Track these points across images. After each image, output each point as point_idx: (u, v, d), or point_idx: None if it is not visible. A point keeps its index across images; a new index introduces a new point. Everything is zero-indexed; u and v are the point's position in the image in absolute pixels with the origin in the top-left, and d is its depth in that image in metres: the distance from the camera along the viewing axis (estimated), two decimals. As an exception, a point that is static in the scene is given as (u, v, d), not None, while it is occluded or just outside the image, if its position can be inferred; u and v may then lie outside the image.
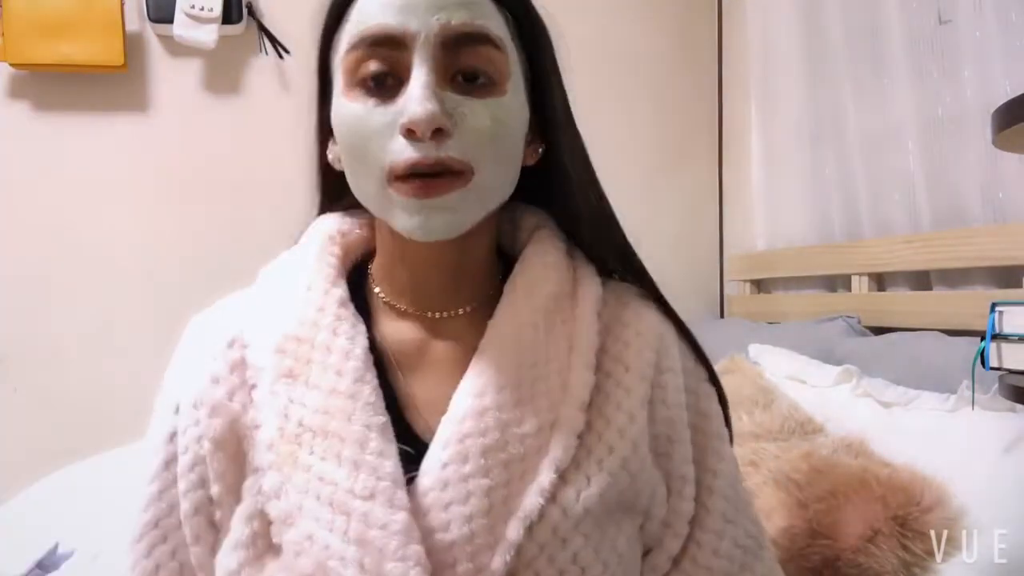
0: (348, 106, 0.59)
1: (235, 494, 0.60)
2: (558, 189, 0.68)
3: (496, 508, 0.56)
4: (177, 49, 1.94)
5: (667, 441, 0.64)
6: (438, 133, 0.56)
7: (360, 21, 0.59)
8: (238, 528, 0.59)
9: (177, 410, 0.64)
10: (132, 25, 1.92)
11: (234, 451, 0.60)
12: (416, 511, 0.56)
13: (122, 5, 1.85)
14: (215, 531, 0.61)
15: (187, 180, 1.97)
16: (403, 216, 0.59)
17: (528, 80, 0.64)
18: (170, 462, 0.63)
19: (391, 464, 0.56)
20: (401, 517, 0.54)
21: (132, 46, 1.92)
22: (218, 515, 0.60)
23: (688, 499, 0.64)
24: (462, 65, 0.58)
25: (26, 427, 1.87)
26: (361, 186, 0.62)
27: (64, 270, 1.92)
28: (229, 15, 1.89)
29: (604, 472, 0.59)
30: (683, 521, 0.64)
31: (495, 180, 0.61)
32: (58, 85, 1.90)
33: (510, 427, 0.58)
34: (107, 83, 1.93)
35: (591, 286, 0.66)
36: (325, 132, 0.66)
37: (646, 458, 0.62)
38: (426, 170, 0.57)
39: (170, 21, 1.86)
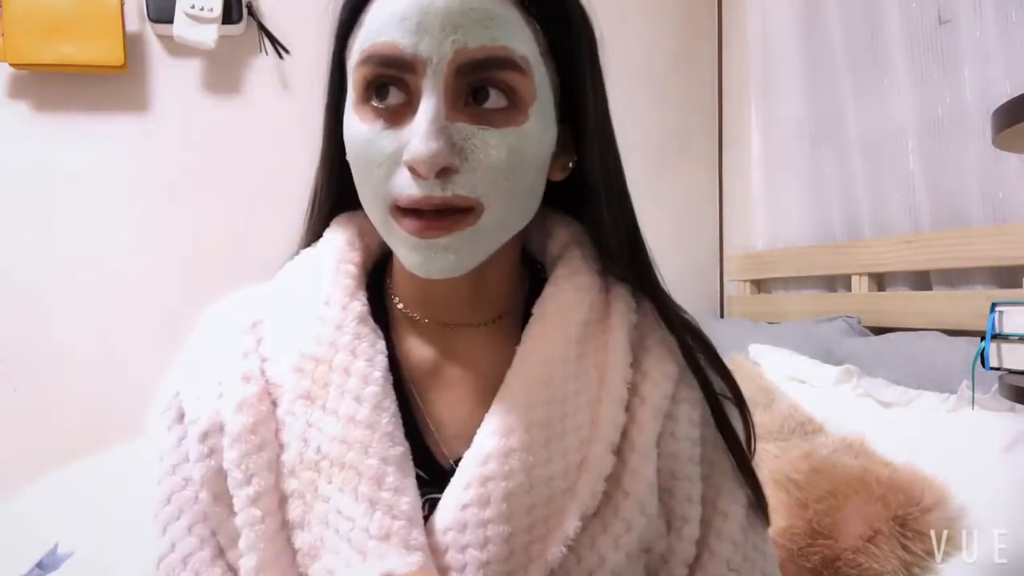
0: (358, 126, 0.55)
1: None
2: (586, 203, 0.63)
3: (516, 555, 0.54)
4: (177, 49, 1.94)
5: (669, 476, 0.60)
6: (444, 171, 0.52)
7: (372, 32, 0.54)
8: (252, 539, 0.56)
9: (177, 394, 0.62)
10: (132, 25, 1.92)
11: (259, 443, 0.57)
12: (433, 548, 0.54)
13: (122, 5, 1.85)
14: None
15: (187, 180, 1.97)
16: (404, 251, 0.56)
17: (559, 93, 0.60)
18: (183, 439, 0.61)
19: (408, 501, 0.54)
20: (416, 559, 0.52)
21: (132, 46, 1.92)
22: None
23: (688, 540, 0.60)
24: (480, 88, 0.54)
25: (26, 427, 1.87)
26: (368, 207, 0.58)
27: (64, 270, 1.92)
28: (229, 15, 1.89)
29: (619, 519, 0.56)
30: (679, 562, 0.59)
31: (506, 215, 0.56)
32: (58, 85, 1.90)
33: (536, 469, 0.55)
34: (107, 83, 1.93)
35: (624, 312, 0.62)
36: (338, 132, 0.62)
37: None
38: (429, 208, 0.53)
39: (170, 21, 1.86)
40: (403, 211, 0.54)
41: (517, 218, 0.58)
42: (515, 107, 0.54)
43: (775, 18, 1.93)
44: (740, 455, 0.63)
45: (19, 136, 1.90)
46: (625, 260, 0.63)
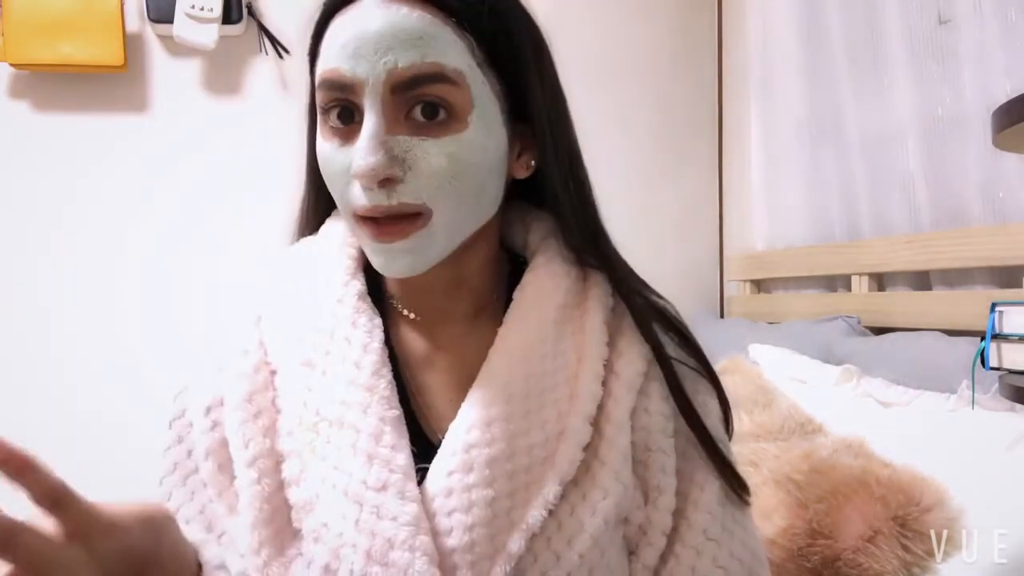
0: (321, 145, 0.61)
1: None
2: (548, 197, 0.67)
3: (499, 519, 0.57)
4: (177, 49, 1.94)
5: (644, 449, 0.64)
6: (387, 181, 0.57)
7: (323, 61, 0.59)
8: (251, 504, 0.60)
9: (186, 388, 0.67)
10: (132, 25, 1.92)
11: (255, 411, 0.62)
12: (424, 513, 0.57)
13: (122, 5, 1.85)
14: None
15: (187, 180, 1.97)
16: (369, 253, 0.61)
17: (506, 98, 0.62)
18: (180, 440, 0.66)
19: (403, 457, 0.58)
20: (411, 509, 0.56)
21: (132, 46, 1.92)
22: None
23: (664, 511, 0.63)
24: (418, 102, 0.57)
25: (27, 427, 1.87)
26: (342, 215, 0.64)
27: (64, 270, 1.92)
28: (229, 15, 1.89)
29: (597, 486, 0.60)
30: (657, 532, 0.63)
31: (456, 217, 0.60)
32: (58, 85, 1.90)
33: (517, 438, 0.59)
34: (107, 83, 1.93)
35: (601, 297, 0.66)
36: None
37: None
38: (380, 215, 0.58)
39: (170, 21, 1.86)
40: (362, 218, 0.59)
41: (470, 218, 0.62)
42: (453, 117, 0.58)
43: (775, 18, 1.93)
44: (703, 432, 0.65)
45: (19, 136, 1.90)
46: (591, 250, 0.67)
